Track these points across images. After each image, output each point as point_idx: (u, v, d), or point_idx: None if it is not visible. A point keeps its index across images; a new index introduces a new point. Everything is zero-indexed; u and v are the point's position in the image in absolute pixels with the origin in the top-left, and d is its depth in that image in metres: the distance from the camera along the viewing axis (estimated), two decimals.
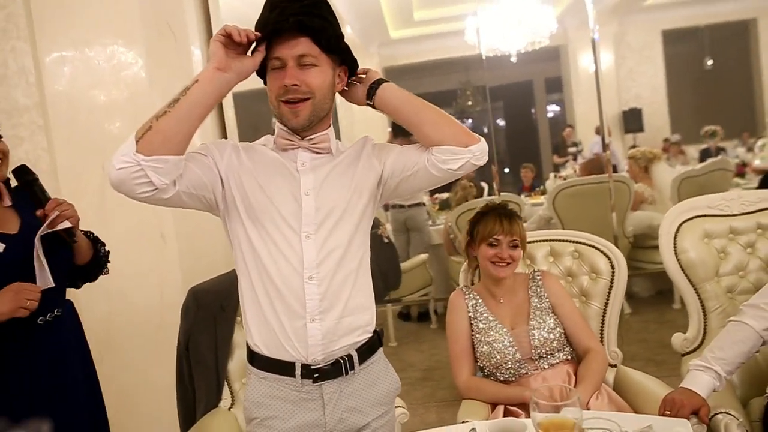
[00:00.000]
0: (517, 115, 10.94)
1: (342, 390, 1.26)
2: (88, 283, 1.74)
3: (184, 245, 2.44)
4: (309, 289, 1.20)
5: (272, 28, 1.16)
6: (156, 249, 2.35)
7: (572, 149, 7.32)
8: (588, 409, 1.51)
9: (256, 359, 1.27)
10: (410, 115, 1.24)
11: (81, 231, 1.62)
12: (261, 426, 1.26)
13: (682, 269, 1.90)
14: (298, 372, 1.22)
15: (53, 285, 1.47)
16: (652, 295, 4.24)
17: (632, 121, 8.16)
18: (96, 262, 1.66)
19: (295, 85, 1.17)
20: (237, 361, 1.89)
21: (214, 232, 1.34)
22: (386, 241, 3.99)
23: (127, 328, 2.56)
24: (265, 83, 1.25)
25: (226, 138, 2.86)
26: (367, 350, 1.29)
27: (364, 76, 1.29)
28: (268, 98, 1.23)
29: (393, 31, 7.88)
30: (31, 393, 1.45)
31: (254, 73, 1.25)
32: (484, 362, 1.74)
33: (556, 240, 2.02)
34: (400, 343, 4.16)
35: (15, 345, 1.45)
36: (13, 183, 1.58)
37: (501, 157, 10.95)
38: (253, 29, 1.19)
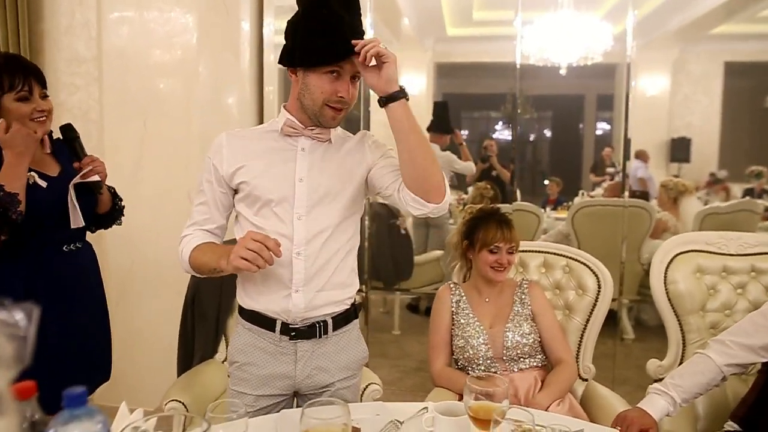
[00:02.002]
0: (565, 127, 10.79)
1: (314, 350, 1.41)
2: (112, 233, 2.03)
3: None
4: (297, 263, 1.35)
5: (349, 47, 1.24)
6: (181, 208, 2.51)
7: (610, 170, 7.24)
8: (546, 411, 1.61)
9: (244, 312, 1.44)
10: (407, 143, 1.25)
11: (105, 186, 1.88)
12: (239, 370, 1.43)
13: (669, 299, 1.96)
14: (278, 328, 1.38)
15: (83, 224, 1.76)
16: (660, 324, 4.19)
17: (680, 150, 7.96)
18: (112, 213, 1.92)
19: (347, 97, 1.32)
20: (236, 319, 2.04)
21: None
22: (403, 232, 4.10)
23: (145, 278, 2.75)
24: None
25: (262, 109, 3.02)
26: (342, 320, 1.44)
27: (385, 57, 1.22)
28: (310, 94, 1.31)
29: (450, 28, 7.86)
30: (55, 298, 1.72)
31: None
32: (459, 355, 1.84)
33: (550, 253, 2.08)
34: (404, 332, 4.27)
35: (49, 264, 1.74)
36: (56, 135, 1.81)
37: (542, 167, 10.86)
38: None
